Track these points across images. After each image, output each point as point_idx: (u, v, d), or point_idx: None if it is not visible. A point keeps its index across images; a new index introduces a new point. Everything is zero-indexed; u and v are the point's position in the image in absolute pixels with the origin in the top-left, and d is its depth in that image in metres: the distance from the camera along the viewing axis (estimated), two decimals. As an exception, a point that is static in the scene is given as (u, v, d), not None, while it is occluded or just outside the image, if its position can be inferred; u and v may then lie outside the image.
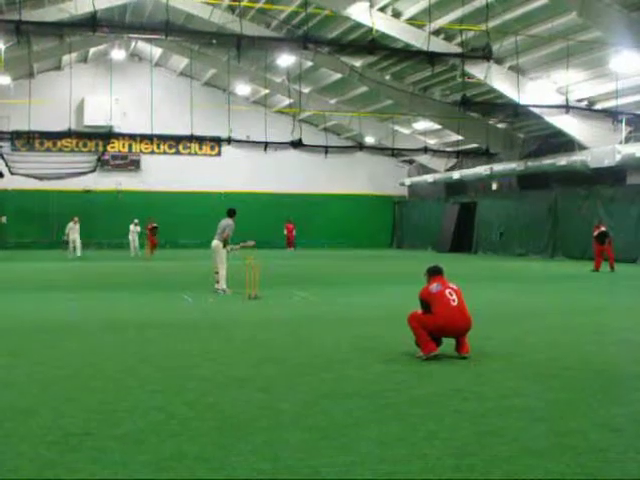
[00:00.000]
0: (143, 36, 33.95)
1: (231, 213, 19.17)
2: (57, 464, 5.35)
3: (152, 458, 5.49)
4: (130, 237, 39.71)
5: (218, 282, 18.45)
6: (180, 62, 47.21)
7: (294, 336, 11.71)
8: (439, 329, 9.66)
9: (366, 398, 7.44)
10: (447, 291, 9.82)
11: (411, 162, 53.22)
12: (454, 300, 9.75)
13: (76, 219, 36.81)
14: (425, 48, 29.56)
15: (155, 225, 39.65)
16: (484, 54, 29.46)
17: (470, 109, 36.04)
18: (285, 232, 48.78)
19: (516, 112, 33.67)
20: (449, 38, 31.66)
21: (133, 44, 45.97)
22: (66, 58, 44.77)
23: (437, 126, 43.33)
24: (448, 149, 46.05)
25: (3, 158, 37.18)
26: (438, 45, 30.77)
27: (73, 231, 36.67)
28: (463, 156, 44.08)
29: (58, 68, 46.79)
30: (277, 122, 44.88)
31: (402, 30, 31.54)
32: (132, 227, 39.64)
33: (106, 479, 5.05)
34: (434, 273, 10.21)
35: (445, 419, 6.65)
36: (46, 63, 45.47)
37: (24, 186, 43.67)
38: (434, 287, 9.91)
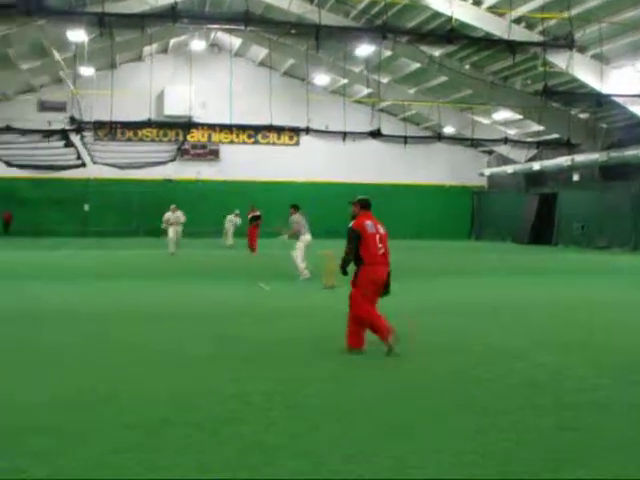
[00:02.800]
0: (222, 26, 34.22)
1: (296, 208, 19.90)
2: (136, 448, 5.45)
3: (229, 446, 5.55)
4: (226, 226, 38.59)
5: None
6: (259, 52, 47.43)
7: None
8: (372, 284, 9.29)
9: (437, 389, 7.39)
10: (377, 236, 9.44)
11: (490, 152, 52.61)
12: (381, 248, 9.41)
13: (174, 207, 31.13)
14: (506, 37, 29.20)
15: (258, 214, 34.76)
16: (566, 42, 28.98)
17: (551, 99, 35.46)
18: (362, 222, 48.60)
19: (599, 102, 32.89)
20: (530, 26, 31.12)
21: (213, 35, 46.40)
22: (147, 49, 45.43)
23: (517, 116, 42.75)
24: (528, 139, 45.32)
25: (86, 147, 37.79)
26: (519, 34, 30.30)
27: (173, 222, 30.40)
28: (544, 147, 43.28)
29: (139, 59, 47.50)
30: (356, 112, 44.74)
31: (482, 19, 31.10)
32: (231, 217, 38.49)
33: (185, 465, 5.11)
34: (365, 207, 9.83)
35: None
36: (128, 54, 46.22)
37: (106, 175, 44.44)
38: (369, 226, 9.48)
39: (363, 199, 9.92)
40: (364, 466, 5.09)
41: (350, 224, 9.62)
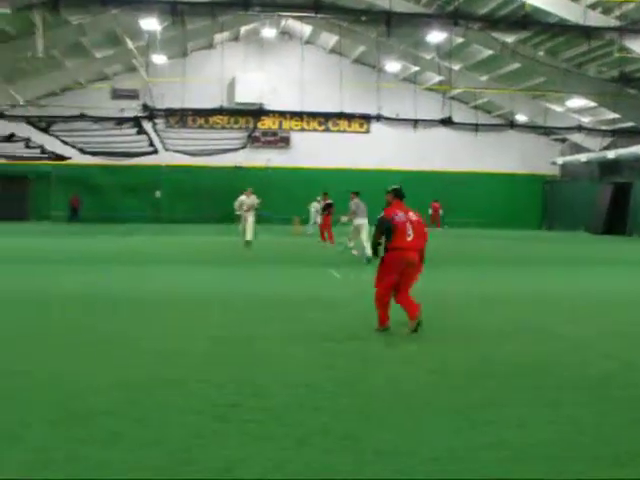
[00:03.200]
0: (293, 14, 34.27)
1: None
2: (204, 434, 5.47)
3: (296, 432, 5.54)
4: (312, 213, 38.16)
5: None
6: (330, 39, 47.34)
7: (436, 313, 11.57)
8: (395, 268, 9.83)
9: (513, 378, 7.28)
10: (407, 224, 9.91)
11: (564, 141, 51.76)
12: (410, 235, 9.87)
13: (249, 190, 27.93)
14: (581, 22, 28.66)
15: (330, 202, 32.58)
16: (644, 27, 28.35)
17: (628, 86, 34.73)
18: (430, 211, 48.37)
19: (677, 89, 32.19)
20: (607, 11, 30.50)
21: (283, 22, 46.45)
22: (218, 37, 45.71)
23: (592, 104, 41.95)
24: (603, 127, 44.51)
25: (158, 135, 38.22)
26: (595, 19, 29.70)
27: (248, 207, 27.24)
28: (619, 135, 42.50)
29: (210, 47, 47.80)
30: (426, 99, 44.50)
31: (556, 4, 30.56)
32: (315, 204, 38.10)
33: (252, 451, 5.10)
34: (398, 196, 10.35)
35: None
36: (199, 42, 46.57)
37: (177, 162, 44.92)
38: (399, 215, 9.98)
39: (397, 189, 10.43)
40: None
41: (382, 216, 10.17)
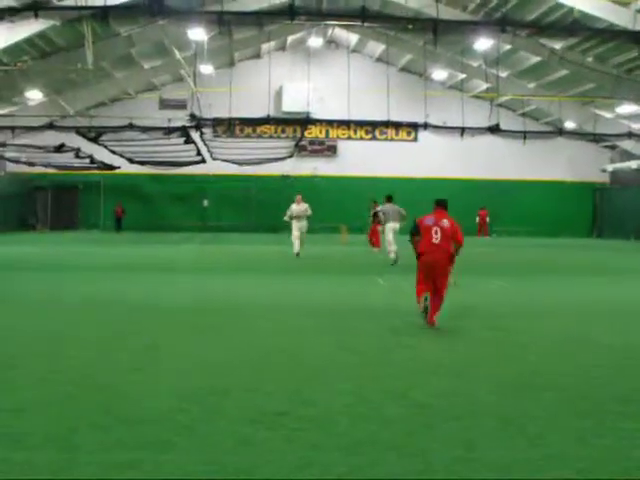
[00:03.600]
0: (339, 23, 34.34)
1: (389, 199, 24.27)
2: (252, 441, 5.48)
3: (343, 441, 5.50)
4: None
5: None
6: (376, 48, 47.35)
7: (486, 324, 11.49)
8: (422, 267, 11.30)
9: (559, 391, 7.19)
10: (434, 229, 11.22)
11: (613, 147, 51.15)
12: (437, 238, 11.15)
13: (299, 197, 26.07)
14: (630, 27, 28.29)
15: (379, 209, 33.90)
16: (696, 31, 27.93)
17: (678, 91, 34.24)
18: (477, 219, 48.09)
19: None
20: (657, 16, 30.12)
21: (330, 31, 46.57)
22: (265, 46, 45.99)
23: (642, 110, 41.46)
24: (654, 134, 43.95)
25: (205, 144, 38.48)
26: (645, 24, 29.34)
27: (298, 215, 25.52)
28: (670, 141, 41.93)
29: (257, 56, 48.10)
30: (474, 107, 44.28)
31: (605, 9, 30.19)
32: None
33: (298, 459, 5.09)
34: (439, 205, 11.72)
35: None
36: (246, 52, 46.91)
37: (224, 171, 45.20)
38: (429, 220, 11.41)
39: (438, 199, 11.87)
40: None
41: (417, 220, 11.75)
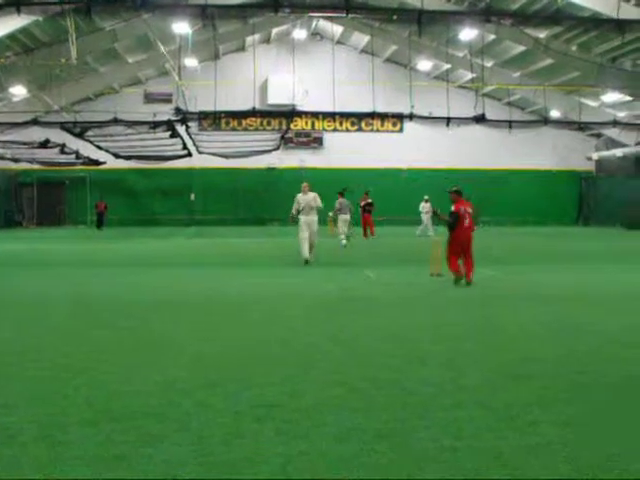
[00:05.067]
0: (324, 14, 34.27)
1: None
2: (243, 434, 5.48)
3: (332, 431, 5.52)
4: (423, 216, 37.59)
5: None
6: (361, 39, 47.34)
7: (478, 316, 11.53)
8: (458, 243, 15.27)
9: (550, 379, 7.21)
10: (465, 215, 15.30)
11: (599, 136, 51.29)
12: (467, 222, 15.30)
13: (305, 185, 20.94)
14: (614, 15, 28.32)
15: (370, 201, 36.00)
16: (680, 19, 27.98)
17: (663, 79, 34.33)
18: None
19: None
20: (640, 4, 30.19)
21: (314, 23, 46.53)
22: (250, 39, 45.89)
23: (627, 98, 41.50)
24: (639, 122, 44.03)
25: (191, 138, 38.39)
26: (628, 11, 29.27)
27: (303, 207, 20.31)
28: (655, 129, 42.03)
29: (242, 49, 48.03)
30: (459, 97, 44.23)
31: (589, -3, 30.29)
32: (424, 204, 37.80)
33: (288, 450, 5.10)
34: (459, 194, 15.61)
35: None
36: (230, 45, 46.82)
37: (210, 164, 45.14)
38: (462, 210, 15.30)
39: (458, 190, 15.65)
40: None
41: (452, 208, 15.43)
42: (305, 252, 19.87)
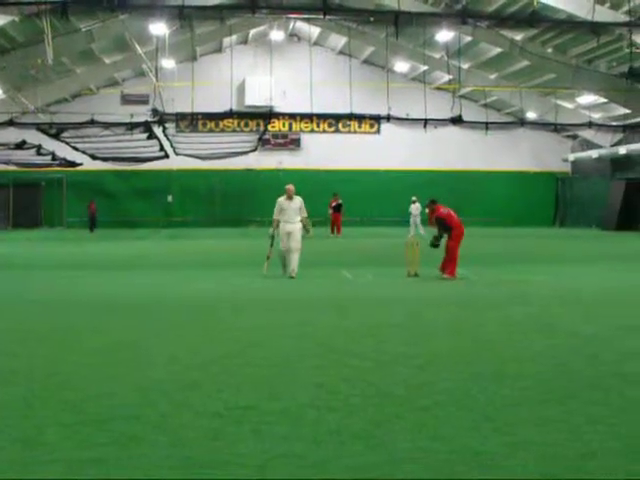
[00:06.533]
0: (301, 16, 34.21)
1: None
2: (219, 436, 5.47)
3: (310, 433, 5.52)
4: (411, 219, 38.05)
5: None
6: (338, 41, 47.39)
7: (455, 316, 11.58)
8: (459, 235, 16.70)
9: (527, 379, 7.25)
10: (451, 212, 16.85)
11: (575, 137, 51.62)
12: (455, 217, 16.79)
13: (289, 187, 17.29)
14: (590, 18, 28.52)
15: (340, 202, 40.07)
16: (653, 22, 28.21)
17: (637, 81, 34.55)
18: (427, 210, 48.18)
19: (687, 84, 32.01)
20: (615, 6, 30.36)
21: (292, 24, 46.52)
22: (227, 40, 45.83)
23: (602, 100, 41.82)
24: (614, 123, 44.34)
25: (168, 139, 38.27)
26: (603, 14, 29.52)
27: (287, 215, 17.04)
28: (630, 130, 42.30)
29: (219, 50, 48.01)
30: (436, 99, 44.32)
31: (565, 0, 30.46)
32: (413, 206, 38.15)
33: (265, 452, 5.10)
34: (435, 202, 17.46)
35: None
36: (208, 46, 46.73)
37: (188, 166, 45.06)
38: (444, 211, 16.79)
39: (432, 199, 17.97)
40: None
41: (436, 216, 16.90)
42: (288, 269, 16.84)
